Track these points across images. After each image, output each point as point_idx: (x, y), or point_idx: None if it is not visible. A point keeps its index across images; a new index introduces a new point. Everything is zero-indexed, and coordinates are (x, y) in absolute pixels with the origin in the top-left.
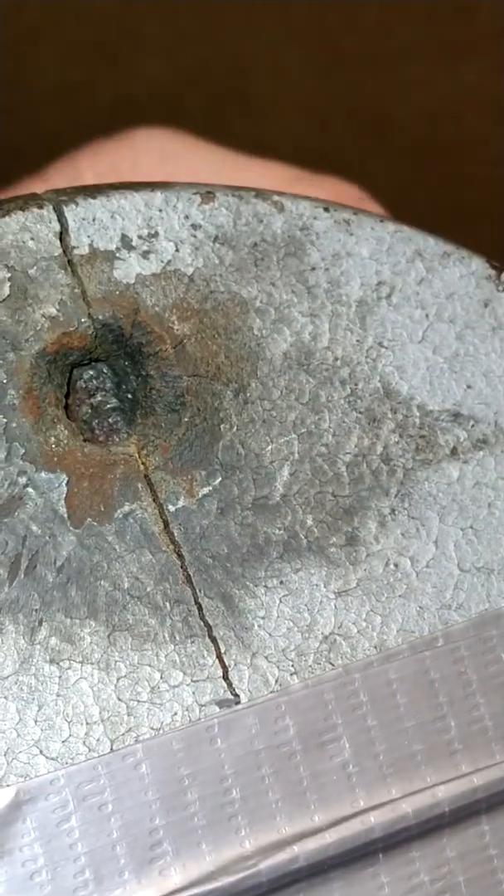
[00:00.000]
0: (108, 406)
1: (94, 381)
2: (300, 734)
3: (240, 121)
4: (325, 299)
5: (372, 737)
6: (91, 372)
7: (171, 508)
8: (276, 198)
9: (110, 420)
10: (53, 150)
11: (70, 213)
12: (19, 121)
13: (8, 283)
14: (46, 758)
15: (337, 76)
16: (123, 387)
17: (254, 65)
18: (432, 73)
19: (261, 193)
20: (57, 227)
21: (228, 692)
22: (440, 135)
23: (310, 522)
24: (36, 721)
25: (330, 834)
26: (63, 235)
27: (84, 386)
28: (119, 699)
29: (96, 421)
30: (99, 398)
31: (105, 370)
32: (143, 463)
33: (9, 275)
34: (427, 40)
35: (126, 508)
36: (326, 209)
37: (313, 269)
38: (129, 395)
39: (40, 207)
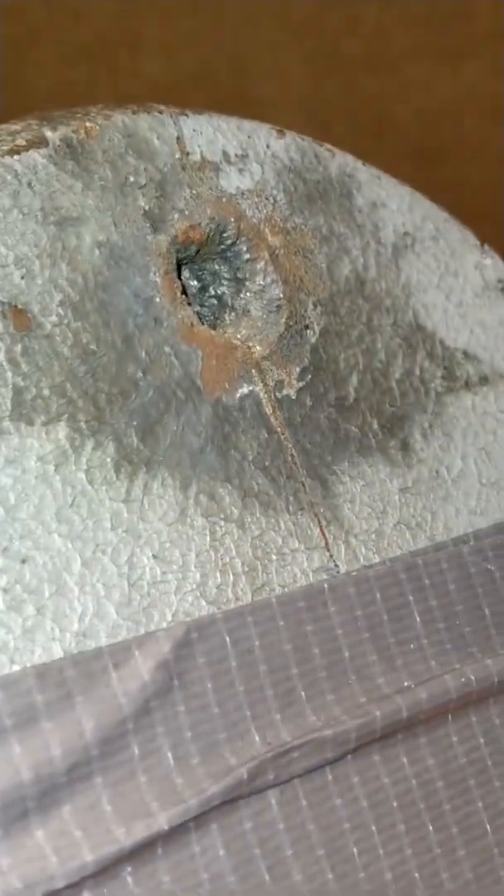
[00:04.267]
0: (213, 300)
1: (212, 278)
2: (385, 606)
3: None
4: (371, 238)
5: (434, 616)
6: (187, 273)
7: (278, 395)
8: (328, 145)
9: (215, 314)
10: None
11: (183, 123)
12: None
13: (144, 173)
14: (206, 601)
15: (337, 76)
16: (210, 291)
17: (254, 65)
18: (432, 74)
19: (315, 140)
20: (175, 132)
21: (332, 562)
22: (440, 136)
23: (375, 426)
24: (195, 567)
25: (420, 691)
26: (180, 140)
27: (203, 281)
28: (255, 556)
29: (209, 314)
30: (210, 292)
31: (188, 274)
32: (252, 351)
33: (144, 166)
34: (427, 41)
35: (245, 390)
36: (364, 163)
37: (360, 210)
38: (215, 300)
39: (161, 113)
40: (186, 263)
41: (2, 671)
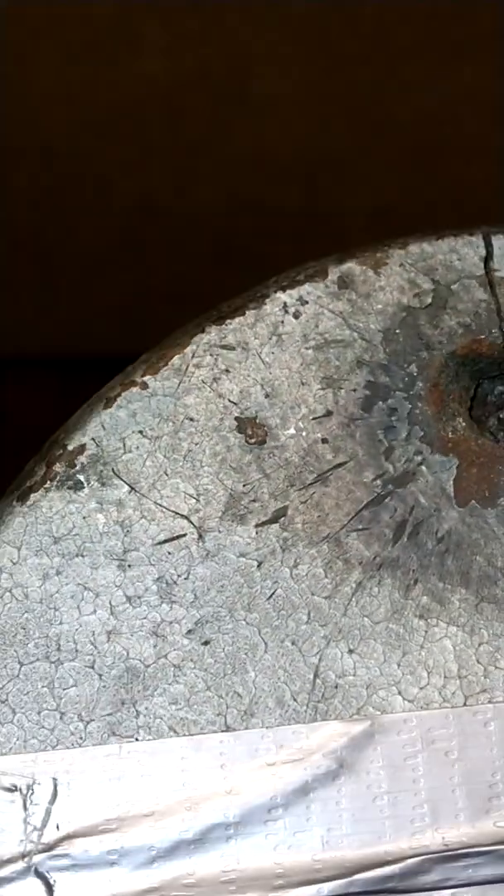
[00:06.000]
0: None
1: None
2: None
3: (240, 121)
4: None
5: None
6: (501, 387)
7: None
8: None
9: None
10: (53, 151)
11: (497, 241)
12: (19, 121)
13: (431, 294)
14: (403, 699)
15: (337, 76)
16: None
17: (254, 65)
18: (432, 74)
19: None
20: (483, 251)
21: None
22: (440, 135)
23: None
24: (399, 665)
25: None
26: (488, 260)
27: (494, 400)
28: (478, 662)
29: (502, 433)
30: None
31: None
32: None
33: (433, 287)
34: (427, 41)
35: None
36: None
37: None
38: None
39: (471, 234)
40: (501, 374)
41: (159, 737)
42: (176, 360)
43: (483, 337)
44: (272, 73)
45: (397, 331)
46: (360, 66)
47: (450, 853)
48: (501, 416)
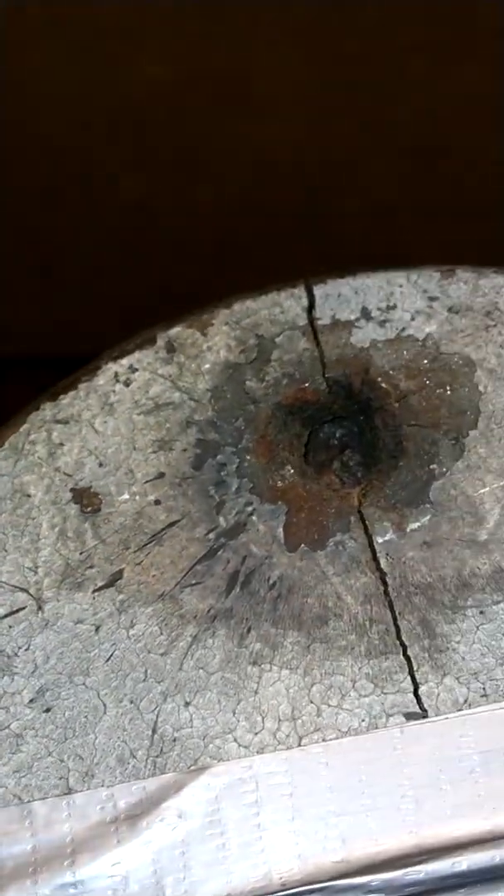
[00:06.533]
0: (353, 461)
1: (345, 439)
2: (481, 752)
3: (240, 121)
4: None
5: None
6: (340, 431)
7: (380, 540)
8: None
9: (357, 474)
10: (53, 151)
11: (318, 290)
12: (19, 122)
13: (256, 349)
14: (239, 745)
15: (337, 76)
16: (364, 441)
17: (254, 65)
18: (432, 74)
19: (501, 270)
20: (306, 302)
21: (417, 706)
22: (440, 135)
23: None
24: (234, 713)
25: (499, 844)
26: (310, 309)
27: (336, 444)
28: (311, 702)
29: (346, 475)
30: (347, 454)
31: (354, 428)
32: (358, 500)
33: (257, 342)
34: (427, 41)
35: (338, 538)
36: None
37: None
38: (370, 448)
39: (294, 286)
40: (342, 420)
41: (5, 806)
42: (12, 439)
43: (307, 385)
44: (272, 73)
45: (224, 388)
46: (360, 66)
47: (286, 892)
48: (344, 458)
